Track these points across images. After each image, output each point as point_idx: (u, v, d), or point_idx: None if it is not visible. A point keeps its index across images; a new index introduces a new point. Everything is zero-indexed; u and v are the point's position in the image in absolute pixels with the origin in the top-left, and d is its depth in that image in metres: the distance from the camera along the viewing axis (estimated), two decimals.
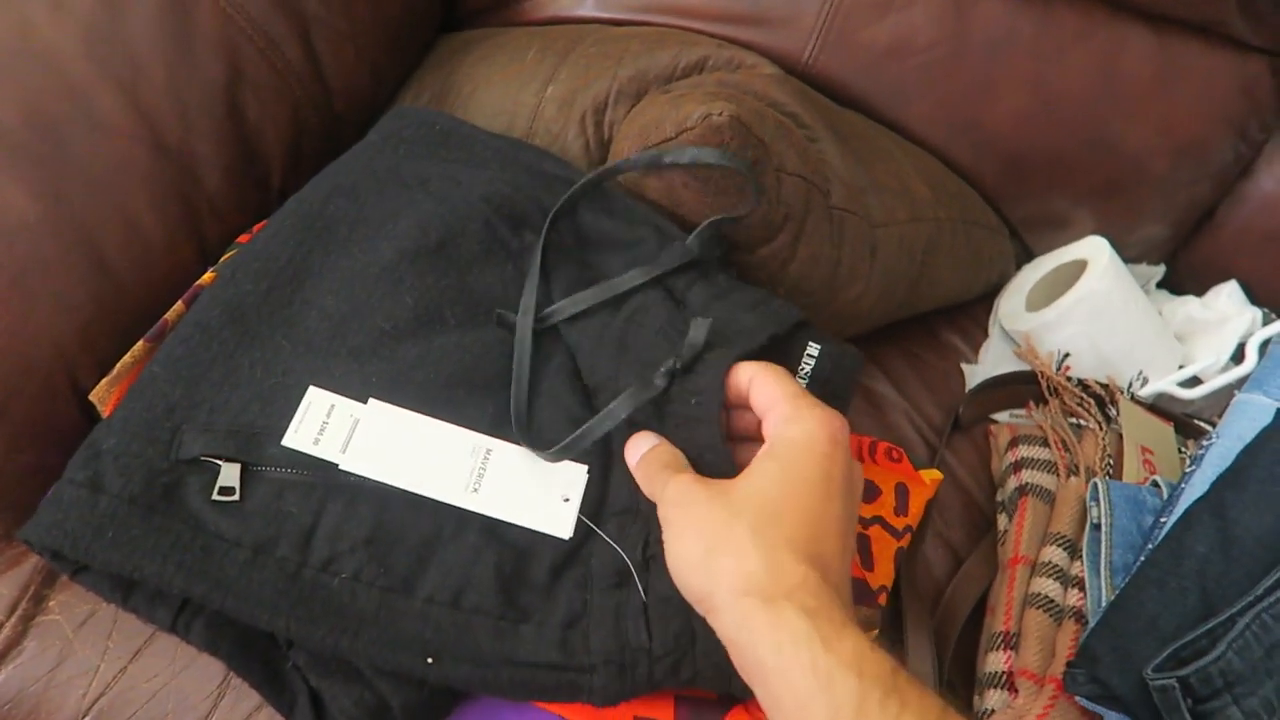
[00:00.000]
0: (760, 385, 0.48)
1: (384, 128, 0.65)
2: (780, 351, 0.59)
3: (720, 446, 0.50)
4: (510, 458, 0.53)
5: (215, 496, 0.49)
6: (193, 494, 0.48)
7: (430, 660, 0.47)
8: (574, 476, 0.53)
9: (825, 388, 0.59)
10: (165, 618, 0.49)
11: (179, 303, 0.56)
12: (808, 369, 0.59)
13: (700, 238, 0.61)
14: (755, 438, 0.48)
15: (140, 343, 0.55)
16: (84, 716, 0.56)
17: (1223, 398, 0.78)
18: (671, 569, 0.44)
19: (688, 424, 0.52)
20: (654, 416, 0.54)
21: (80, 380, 0.56)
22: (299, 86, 0.67)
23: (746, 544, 0.41)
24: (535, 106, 0.70)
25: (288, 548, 0.48)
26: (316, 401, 0.52)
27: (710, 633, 0.49)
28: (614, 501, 0.53)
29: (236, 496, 0.49)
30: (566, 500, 0.52)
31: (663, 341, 0.56)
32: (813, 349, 0.60)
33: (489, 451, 0.53)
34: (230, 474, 0.50)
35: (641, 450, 0.50)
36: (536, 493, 0.52)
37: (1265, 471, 0.56)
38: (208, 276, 0.58)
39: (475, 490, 0.51)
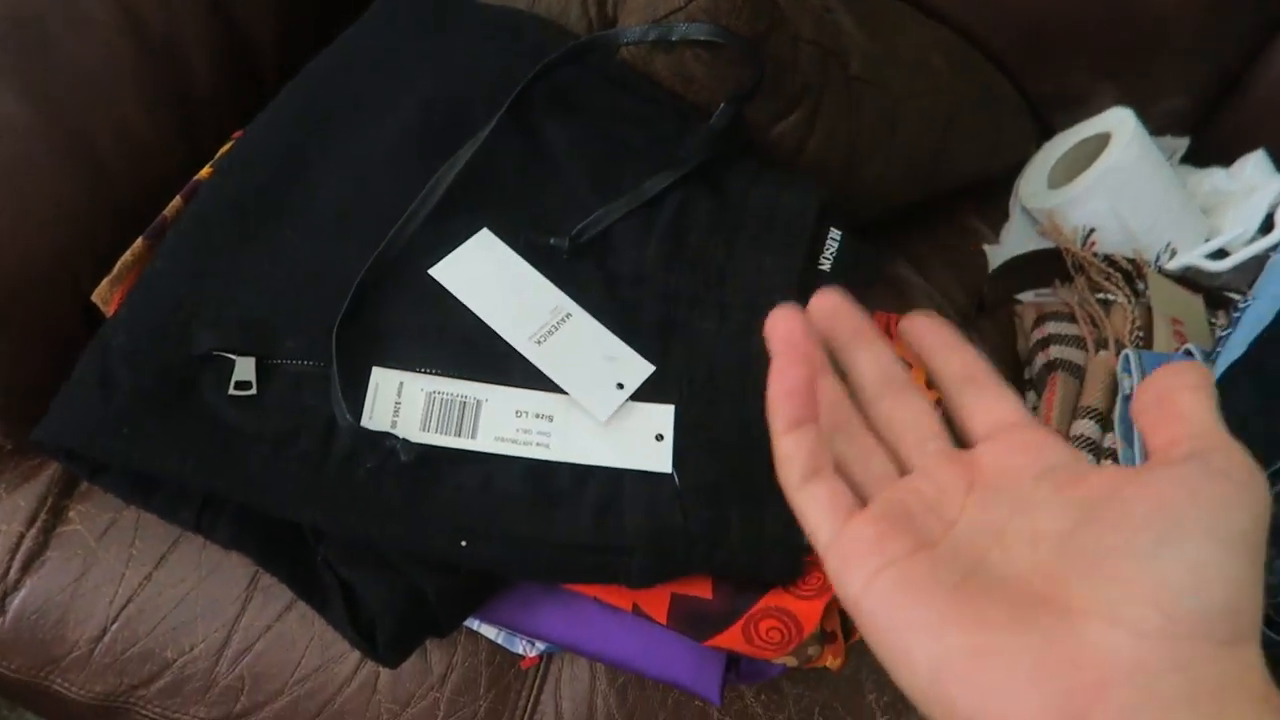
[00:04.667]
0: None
1: (378, 6, 0.62)
2: None
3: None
4: (586, 328, 0.51)
5: (232, 391, 0.47)
6: (208, 389, 0.47)
7: (464, 543, 0.46)
8: (637, 369, 0.51)
9: (850, 275, 0.57)
10: (188, 517, 0.48)
11: (177, 198, 0.54)
12: (831, 252, 0.58)
13: (723, 118, 0.58)
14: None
15: (139, 240, 0.53)
16: (113, 622, 0.55)
17: (1251, 269, 0.76)
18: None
19: (747, 337, 0.52)
20: (709, 319, 0.53)
21: (81, 282, 0.54)
22: None
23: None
24: None
25: (309, 440, 0.47)
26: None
27: (746, 521, 0.48)
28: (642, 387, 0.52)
29: (253, 390, 0.48)
30: (620, 387, 0.50)
31: (718, 239, 0.55)
32: (834, 234, 0.58)
33: (568, 315, 0.51)
34: (245, 368, 0.48)
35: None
36: (593, 369, 0.50)
37: None
38: (205, 171, 0.55)
39: (539, 343, 0.50)
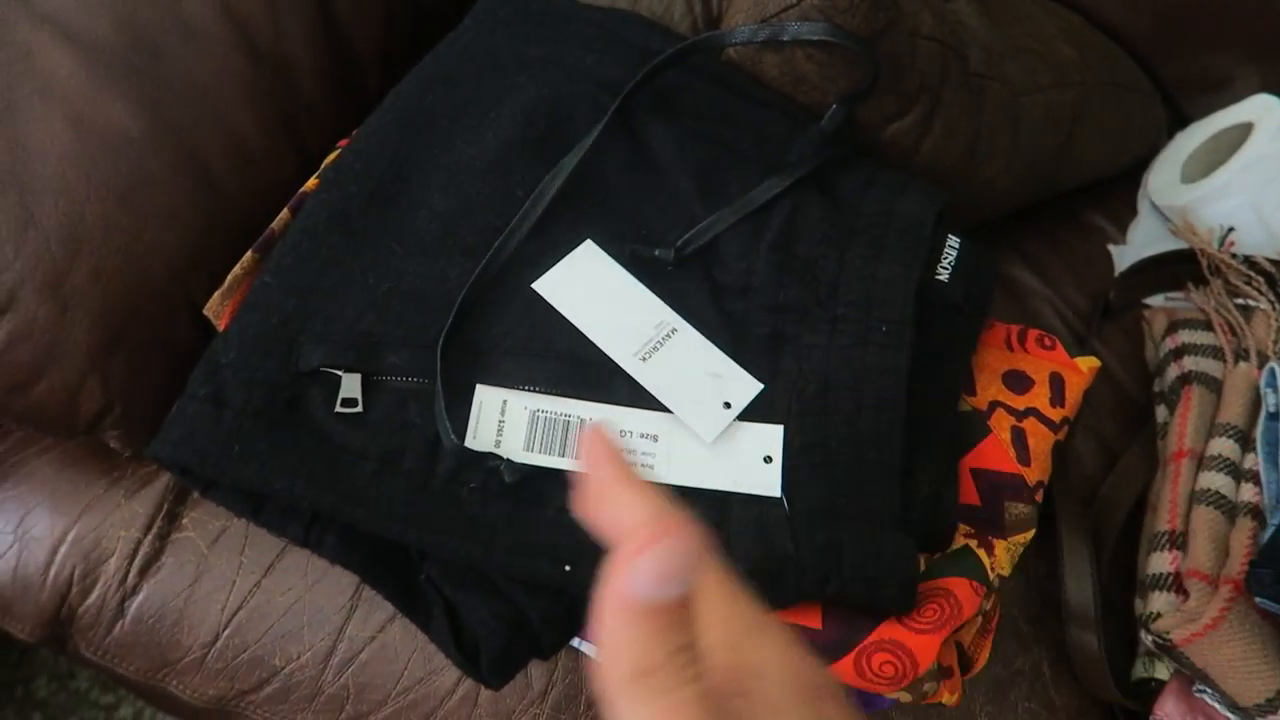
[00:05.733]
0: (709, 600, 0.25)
1: (478, 11, 0.61)
2: None
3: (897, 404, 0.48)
4: (692, 344, 0.50)
5: (338, 409, 0.47)
6: (315, 406, 0.47)
7: (569, 568, 0.45)
8: (745, 387, 0.49)
9: (969, 284, 0.55)
10: (297, 532, 0.49)
11: (285, 210, 0.54)
12: (949, 261, 0.55)
13: (834, 119, 0.56)
14: None
15: (249, 254, 0.53)
16: (224, 629, 0.57)
17: None
18: None
19: (861, 351, 0.49)
20: (820, 333, 0.51)
21: (194, 295, 0.55)
22: None
23: None
24: None
25: (414, 459, 0.47)
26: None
27: (859, 547, 0.46)
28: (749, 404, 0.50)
29: (359, 408, 0.48)
30: (727, 406, 0.49)
31: (830, 249, 0.53)
32: (953, 241, 0.55)
33: (674, 330, 0.50)
34: (351, 385, 0.48)
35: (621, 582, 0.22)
36: (699, 387, 0.49)
37: None
38: (311, 183, 0.55)
39: (644, 360, 0.49)
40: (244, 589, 0.57)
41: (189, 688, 0.57)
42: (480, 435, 0.47)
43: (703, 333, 0.51)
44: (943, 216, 0.54)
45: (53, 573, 0.58)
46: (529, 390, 0.49)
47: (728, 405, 0.49)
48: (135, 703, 0.99)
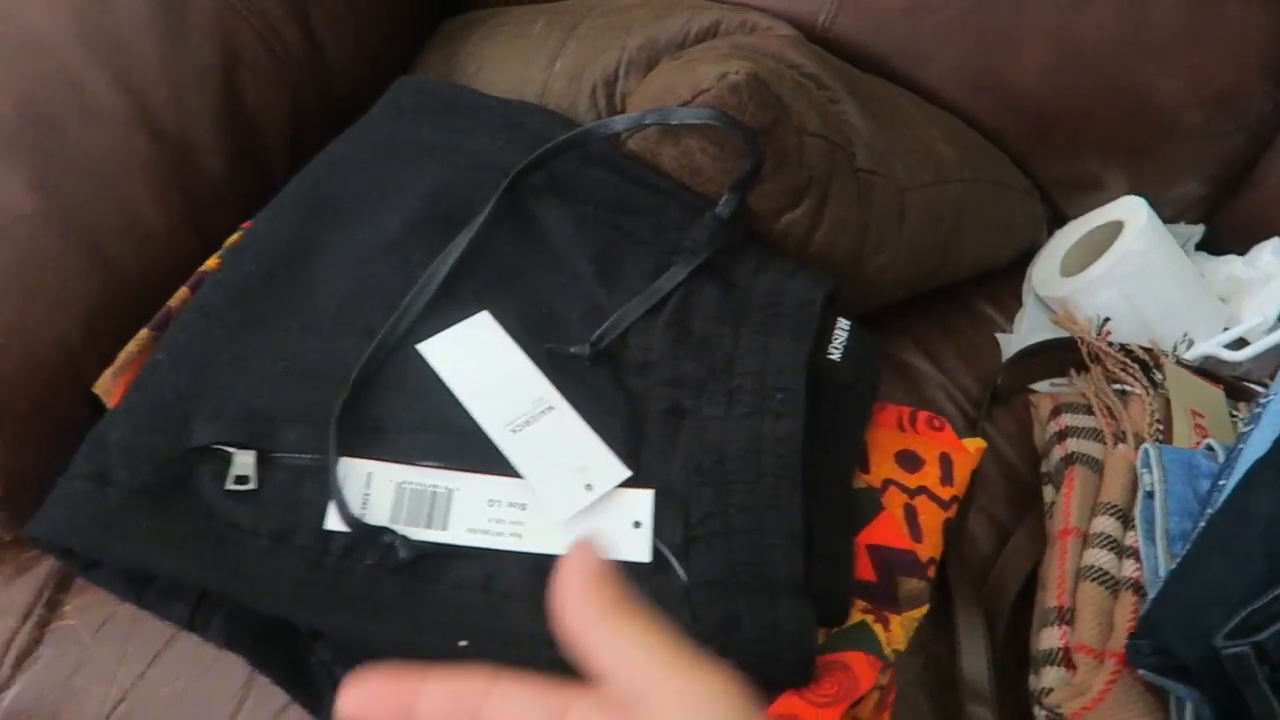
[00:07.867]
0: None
1: (385, 100, 0.63)
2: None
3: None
4: (567, 424, 0.50)
5: (230, 485, 0.47)
6: (205, 483, 0.46)
7: (464, 643, 0.44)
8: (612, 472, 0.50)
9: (857, 366, 0.57)
10: (182, 613, 0.47)
11: (183, 288, 0.54)
12: (840, 341, 0.57)
13: (728, 206, 0.58)
14: None
15: (144, 331, 0.52)
16: None
17: (1271, 359, 0.74)
18: None
19: (758, 420, 0.50)
20: (717, 405, 0.52)
21: (84, 375, 0.54)
22: (298, 70, 0.65)
23: None
24: (543, 82, 0.68)
25: (307, 536, 0.46)
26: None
27: (758, 619, 0.46)
28: (646, 479, 0.51)
29: (252, 485, 0.47)
30: (589, 488, 0.49)
31: (724, 326, 0.54)
32: (843, 324, 0.57)
33: (550, 408, 0.51)
34: (244, 462, 0.47)
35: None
36: (563, 466, 0.49)
37: None
38: (211, 262, 0.56)
39: (514, 431, 0.49)
40: (126, 681, 0.54)
41: None
42: (373, 510, 0.47)
43: (592, 411, 0.51)
44: (832, 299, 0.57)
45: None
46: (415, 463, 0.48)
47: (589, 487, 0.49)
48: None
